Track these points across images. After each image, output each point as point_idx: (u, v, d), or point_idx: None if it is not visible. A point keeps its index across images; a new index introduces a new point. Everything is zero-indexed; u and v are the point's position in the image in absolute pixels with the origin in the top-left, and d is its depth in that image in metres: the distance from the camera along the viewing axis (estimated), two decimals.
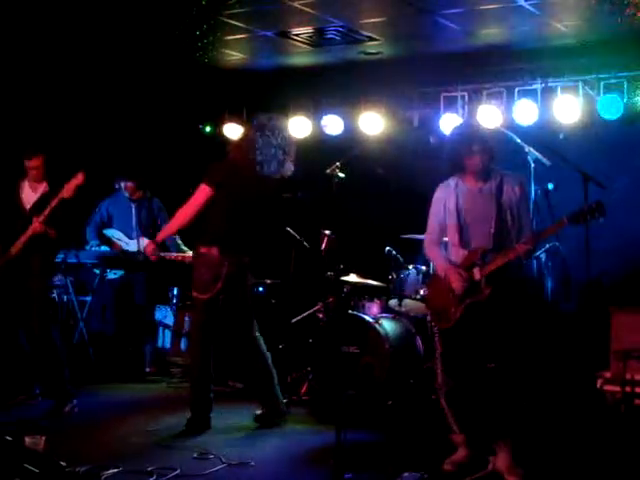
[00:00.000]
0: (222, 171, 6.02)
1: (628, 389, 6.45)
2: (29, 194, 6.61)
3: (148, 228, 8.14)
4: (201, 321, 6.04)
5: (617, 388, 6.54)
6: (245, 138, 6.21)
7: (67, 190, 6.33)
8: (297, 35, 7.39)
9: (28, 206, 6.57)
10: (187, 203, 5.97)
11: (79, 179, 6.38)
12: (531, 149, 6.45)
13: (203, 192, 5.93)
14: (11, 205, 6.60)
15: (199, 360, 6.03)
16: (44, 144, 6.71)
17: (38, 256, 6.46)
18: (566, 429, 5.92)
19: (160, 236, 6.28)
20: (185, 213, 5.97)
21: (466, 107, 7.92)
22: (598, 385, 6.71)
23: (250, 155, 5.98)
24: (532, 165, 6.49)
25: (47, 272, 6.64)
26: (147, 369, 8.20)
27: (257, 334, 6.19)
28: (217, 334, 6.10)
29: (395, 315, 7.12)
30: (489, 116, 7.70)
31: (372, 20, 6.97)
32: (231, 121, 8.90)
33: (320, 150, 8.37)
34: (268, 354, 6.21)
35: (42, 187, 6.60)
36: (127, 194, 8.26)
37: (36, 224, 6.37)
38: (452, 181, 5.21)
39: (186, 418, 6.02)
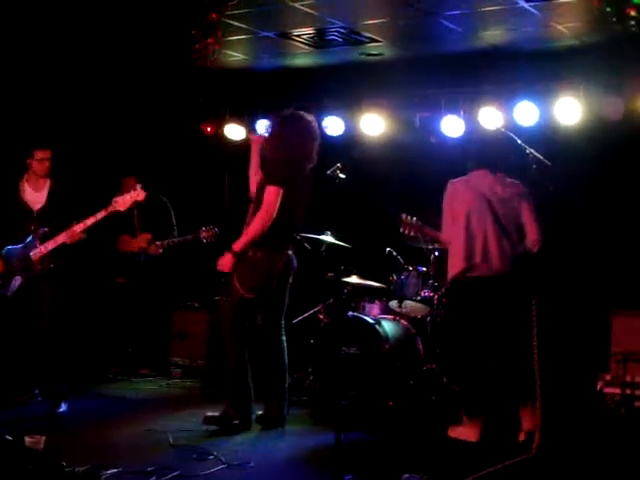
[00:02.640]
0: (281, 169, 5.95)
1: (628, 391, 6.46)
2: (32, 194, 6.53)
3: (152, 227, 8.14)
4: (238, 317, 6.02)
5: (617, 390, 6.56)
6: (281, 134, 6.11)
7: (122, 203, 6.24)
8: (298, 36, 7.39)
9: (37, 206, 6.50)
10: (263, 209, 5.86)
11: (139, 196, 6.28)
12: (532, 150, 6.45)
13: (275, 193, 5.85)
14: (13, 206, 6.51)
15: (235, 355, 6.03)
16: (47, 142, 6.69)
17: (59, 260, 6.42)
18: (567, 431, 5.92)
19: (238, 245, 5.91)
20: (263, 219, 5.86)
21: (467, 108, 7.92)
22: (598, 387, 6.72)
23: (292, 150, 5.99)
24: (533, 166, 6.48)
25: (65, 277, 6.54)
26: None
27: (284, 336, 6.22)
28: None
29: (395, 316, 7.11)
30: (490, 117, 7.71)
31: (373, 21, 6.96)
32: (232, 122, 8.91)
33: (321, 151, 8.37)
34: (287, 359, 6.22)
35: (45, 185, 6.53)
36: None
37: (75, 232, 6.26)
38: None
39: (188, 418, 6.07)
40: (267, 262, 5.96)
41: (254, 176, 6.23)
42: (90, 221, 6.29)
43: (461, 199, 5.83)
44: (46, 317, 6.41)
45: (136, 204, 7.95)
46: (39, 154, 6.49)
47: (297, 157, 6.03)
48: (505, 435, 5.71)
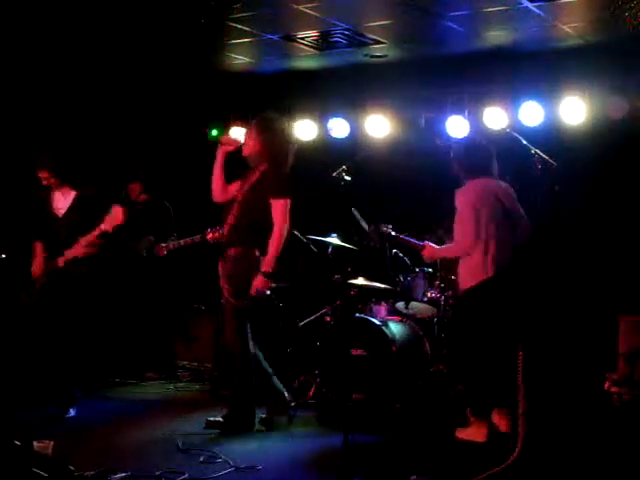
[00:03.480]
0: (287, 179, 6.03)
1: (636, 391, 6.45)
2: (59, 199, 6.66)
3: (152, 231, 8.15)
4: (242, 321, 6.03)
5: (624, 390, 6.54)
6: (277, 141, 6.13)
7: (107, 224, 6.38)
8: (303, 38, 7.39)
9: (61, 211, 6.63)
10: (280, 223, 5.92)
11: (119, 219, 6.41)
12: (537, 150, 6.45)
13: (285, 207, 5.94)
14: (43, 212, 6.67)
15: (242, 359, 6.03)
16: (53, 148, 6.75)
17: (84, 268, 6.55)
18: (573, 430, 5.90)
19: (267, 266, 5.93)
20: (283, 233, 5.95)
21: (472, 109, 7.92)
22: (606, 387, 6.71)
23: (286, 158, 6.07)
24: (539, 166, 6.48)
25: (91, 282, 6.67)
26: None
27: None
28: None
29: (402, 318, 7.11)
30: (495, 118, 7.71)
31: (377, 23, 6.96)
32: (237, 124, 8.91)
33: (326, 153, 8.38)
34: (260, 353, 6.20)
35: (70, 193, 6.66)
36: (132, 197, 8.30)
37: (79, 248, 6.44)
38: None
39: (196, 421, 6.13)
40: (256, 268, 5.98)
41: (220, 181, 6.26)
42: (90, 239, 6.44)
43: (481, 204, 5.88)
44: (69, 321, 6.51)
45: (139, 209, 8.06)
46: (39, 174, 6.61)
47: (286, 164, 6.09)
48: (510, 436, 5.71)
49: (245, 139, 6.25)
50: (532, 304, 5.70)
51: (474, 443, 5.66)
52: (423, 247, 6.27)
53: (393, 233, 6.52)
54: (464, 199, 5.89)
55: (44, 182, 6.60)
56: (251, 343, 6.10)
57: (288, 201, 5.95)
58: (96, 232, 6.39)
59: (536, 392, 5.68)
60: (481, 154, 6.08)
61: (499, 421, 5.79)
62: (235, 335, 6.04)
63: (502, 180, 6.08)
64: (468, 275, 5.89)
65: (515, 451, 5.08)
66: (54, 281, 6.53)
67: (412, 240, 6.44)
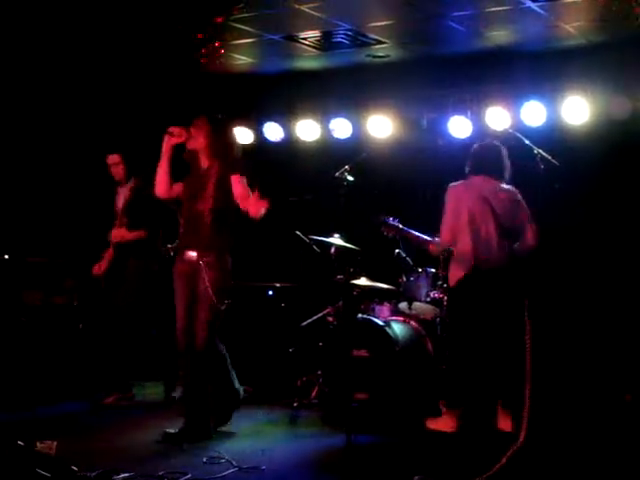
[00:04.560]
0: (242, 162, 6.08)
1: None
2: (120, 199, 7.19)
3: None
4: (216, 327, 5.94)
5: None
6: (231, 140, 6.19)
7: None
8: (305, 39, 7.39)
9: (118, 209, 7.19)
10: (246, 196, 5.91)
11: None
12: (540, 150, 6.45)
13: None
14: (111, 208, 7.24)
15: (209, 363, 5.94)
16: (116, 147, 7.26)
17: (133, 262, 7.10)
18: (593, 440, 5.85)
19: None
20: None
21: (474, 109, 7.92)
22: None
23: (238, 157, 6.10)
24: (541, 166, 6.48)
25: (141, 277, 7.12)
26: None
27: None
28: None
29: (405, 318, 7.10)
30: (497, 118, 7.70)
31: (380, 23, 6.97)
32: (239, 125, 8.90)
33: (328, 154, 8.38)
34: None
35: (127, 190, 7.16)
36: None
37: (116, 233, 7.07)
38: None
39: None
40: (229, 272, 5.99)
41: (166, 175, 6.08)
42: (118, 224, 7.19)
43: (465, 199, 6.01)
44: (117, 313, 7.10)
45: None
46: (108, 159, 7.16)
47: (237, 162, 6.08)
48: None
49: (193, 133, 6.03)
50: (533, 303, 5.69)
51: (475, 443, 5.65)
52: (431, 243, 6.41)
53: (400, 226, 6.62)
54: (449, 194, 6.07)
55: (109, 162, 7.11)
56: (221, 345, 6.03)
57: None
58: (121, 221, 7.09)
59: (545, 392, 5.68)
60: (486, 154, 6.15)
61: (504, 421, 5.79)
62: (207, 334, 5.86)
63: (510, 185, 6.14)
64: (451, 273, 6.07)
65: (516, 445, 5.07)
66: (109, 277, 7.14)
67: (421, 235, 6.50)
